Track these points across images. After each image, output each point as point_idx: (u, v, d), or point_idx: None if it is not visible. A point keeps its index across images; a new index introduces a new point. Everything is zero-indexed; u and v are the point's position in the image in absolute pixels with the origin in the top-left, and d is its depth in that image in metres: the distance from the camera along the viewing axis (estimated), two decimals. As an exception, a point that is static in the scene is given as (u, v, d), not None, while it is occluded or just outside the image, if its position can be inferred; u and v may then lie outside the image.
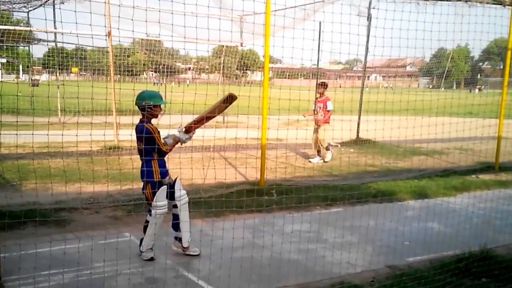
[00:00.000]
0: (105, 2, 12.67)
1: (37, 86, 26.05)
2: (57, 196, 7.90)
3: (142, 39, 22.47)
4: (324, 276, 5.52)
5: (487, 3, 11.51)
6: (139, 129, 5.70)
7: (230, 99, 5.95)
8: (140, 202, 7.55)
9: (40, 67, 34.82)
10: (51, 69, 25.27)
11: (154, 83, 36.95)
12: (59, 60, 21.60)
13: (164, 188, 5.80)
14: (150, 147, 5.68)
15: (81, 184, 8.79)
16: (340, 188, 9.33)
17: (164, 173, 5.93)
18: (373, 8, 14.72)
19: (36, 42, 20.98)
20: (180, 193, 5.93)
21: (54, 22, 15.47)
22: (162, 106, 5.98)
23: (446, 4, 11.28)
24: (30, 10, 17.64)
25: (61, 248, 5.37)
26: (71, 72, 32.86)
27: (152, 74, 45.55)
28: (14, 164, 9.81)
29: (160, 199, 5.74)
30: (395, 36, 9.32)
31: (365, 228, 7.11)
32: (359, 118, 16.89)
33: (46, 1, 15.77)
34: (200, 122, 5.95)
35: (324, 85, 13.23)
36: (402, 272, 5.55)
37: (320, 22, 15.36)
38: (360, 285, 5.25)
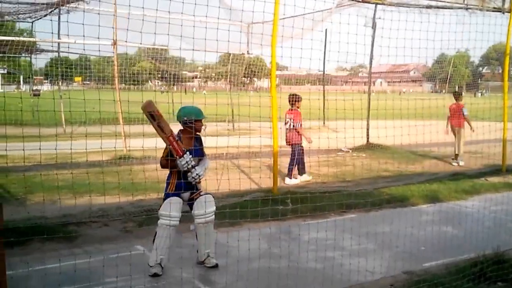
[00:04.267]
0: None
1: (39, 96, 25.99)
2: (64, 210, 7.68)
3: (148, 48, 22.43)
4: (343, 284, 5.39)
5: (487, 10, 11.51)
6: None
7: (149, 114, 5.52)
8: (152, 214, 7.46)
9: (42, 77, 34.80)
10: (53, 79, 25.20)
11: (162, 92, 36.98)
12: (62, 70, 21.54)
13: (172, 200, 5.62)
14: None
15: (90, 196, 8.66)
16: (353, 194, 9.20)
17: (181, 187, 5.74)
18: (378, 18, 14.74)
19: (39, 52, 20.87)
20: (206, 210, 5.74)
21: (59, 32, 15.41)
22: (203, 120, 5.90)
23: (448, 13, 11.27)
24: (35, 20, 17.56)
25: (70, 264, 5.25)
26: (74, 82, 32.82)
27: (158, 82, 45.56)
28: (19, 177, 9.71)
29: (165, 209, 5.58)
30: (399, 43, 9.53)
31: (381, 234, 6.97)
32: (368, 123, 16.79)
33: (51, 11, 15.68)
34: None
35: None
36: (419, 278, 5.42)
37: (326, 30, 15.48)
38: (378, 292, 5.13)
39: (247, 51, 18.40)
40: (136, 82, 31.17)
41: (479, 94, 61.51)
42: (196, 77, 52.43)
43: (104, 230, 7.22)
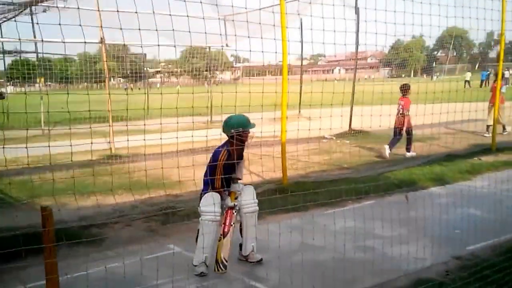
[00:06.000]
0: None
1: (4, 98, 25.06)
2: (78, 212, 7.25)
3: (109, 45, 21.74)
4: (397, 273, 5.23)
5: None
6: (216, 152, 5.60)
7: None
8: (171, 211, 7.24)
9: (3, 80, 33.61)
10: (15, 81, 24.45)
11: (125, 89, 36.39)
12: (25, 71, 20.91)
13: (212, 194, 5.38)
14: (213, 171, 5.49)
15: (97, 197, 8.31)
16: (362, 181, 9.14)
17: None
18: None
19: (16, 54, 20.00)
20: (248, 200, 5.60)
21: (34, 32, 14.71)
22: (251, 130, 5.65)
23: None
24: (3, 22, 16.75)
25: (111, 267, 4.95)
26: (36, 83, 31.90)
27: (120, 80, 44.74)
28: (14, 182, 9.28)
29: (207, 205, 5.32)
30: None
31: (408, 219, 6.86)
32: (351, 110, 16.81)
33: (21, 12, 14.96)
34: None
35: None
36: (473, 262, 5.36)
37: (301, 19, 15.37)
38: (437, 279, 5.00)
39: (226, 44, 18.11)
40: (99, 80, 30.55)
41: (435, 77, 62.69)
42: (158, 73, 51.64)
43: (128, 231, 6.89)
